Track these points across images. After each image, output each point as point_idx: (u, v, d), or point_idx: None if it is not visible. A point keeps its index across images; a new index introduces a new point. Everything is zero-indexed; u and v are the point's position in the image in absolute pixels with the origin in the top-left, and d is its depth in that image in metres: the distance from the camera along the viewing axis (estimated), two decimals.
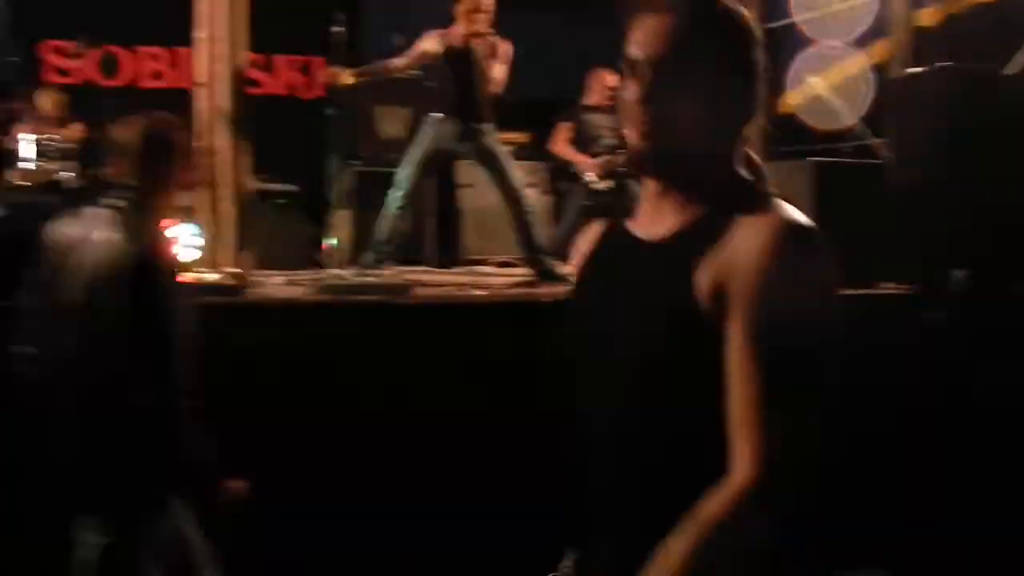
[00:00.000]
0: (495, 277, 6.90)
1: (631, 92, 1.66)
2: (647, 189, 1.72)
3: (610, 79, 7.84)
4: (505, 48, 6.52)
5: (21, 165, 7.35)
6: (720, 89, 1.63)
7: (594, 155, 7.72)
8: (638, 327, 1.63)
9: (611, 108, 7.78)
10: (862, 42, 8.16)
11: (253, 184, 6.28)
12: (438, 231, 8.33)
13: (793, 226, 1.54)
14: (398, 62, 6.73)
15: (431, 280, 6.60)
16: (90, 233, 3.03)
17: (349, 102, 8.35)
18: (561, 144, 7.82)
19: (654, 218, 1.70)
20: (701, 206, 1.65)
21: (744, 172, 1.70)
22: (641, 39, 1.67)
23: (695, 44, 1.63)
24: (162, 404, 2.83)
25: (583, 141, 7.81)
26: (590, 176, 7.64)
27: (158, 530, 2.92)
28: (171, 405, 2.84)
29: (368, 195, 7.40)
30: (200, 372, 2.94)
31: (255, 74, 9.35)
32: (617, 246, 1.78)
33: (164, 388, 2.84)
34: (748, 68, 1.69)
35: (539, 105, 9.92)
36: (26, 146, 7.38)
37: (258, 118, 6.23)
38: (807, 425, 1.49)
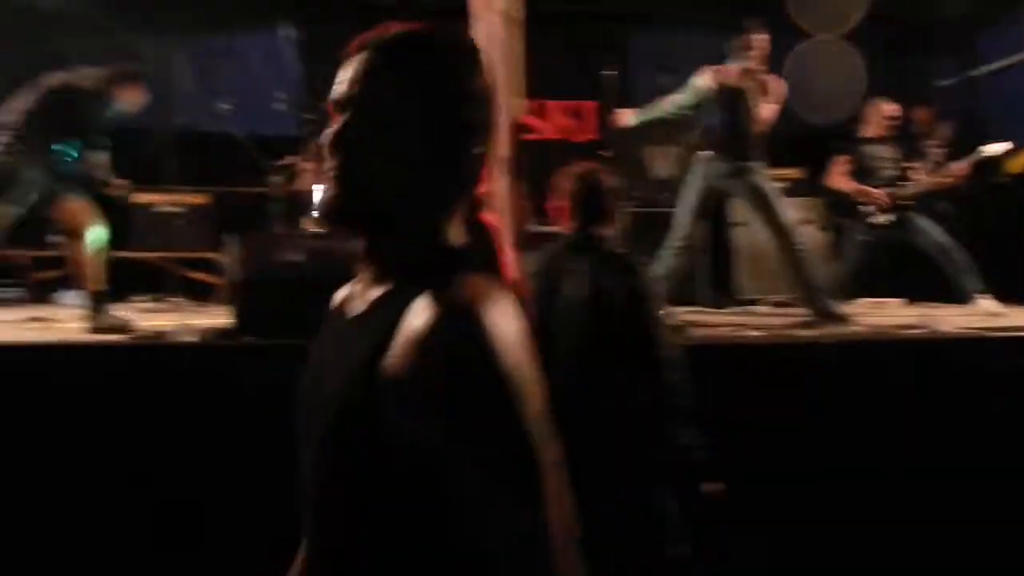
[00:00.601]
0: (771, 317, 6.75)
1: (326, 134, 1.50)
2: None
3: (888, 109, 7.57)
4: (778, 86, 6.43)
5: (314, 213, 7.86)
6: (422, 148, 1.44)
7: (875, 187, 7.45)
8: (322, 413, 1.43)
9: (890, 139, 7.51)
10: None
11: (530, 228, 6.44)
12: (711, 271, 8.24)
13: (451, 307, 1.30)
14: (675, 98, 6.75)
15: (705, 321, 6.54)
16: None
17: (621, 144, 8.47)
18: (838, 177, 7.59)
19: (364, 288, 1.51)
20: (394, 277, 1.44)
21: (452, 244, 1.49)
22: (343, 76, 1.53)
23: (391, 91, 1.46)
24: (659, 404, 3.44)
25: (861, 174, 7.55)
26: (870, 210, 7.37)
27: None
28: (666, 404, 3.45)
29: (642, 236, 7.43)
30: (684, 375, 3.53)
31: (529, 120, 9.62)
32: (335, 315, 1.60)
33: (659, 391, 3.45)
34: (459, 129, 1.47)
35: (812, 139, 9.72)
36: (319, 195, 7.88)
37: (533, 162, 6.39)
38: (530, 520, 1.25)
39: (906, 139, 7.89)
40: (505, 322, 1.32)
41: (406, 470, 1.30)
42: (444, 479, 1.27)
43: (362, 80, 1.51)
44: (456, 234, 1.51)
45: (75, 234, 6.28)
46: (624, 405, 3.44)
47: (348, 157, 1.48)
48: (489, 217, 1.57)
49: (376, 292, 1.47)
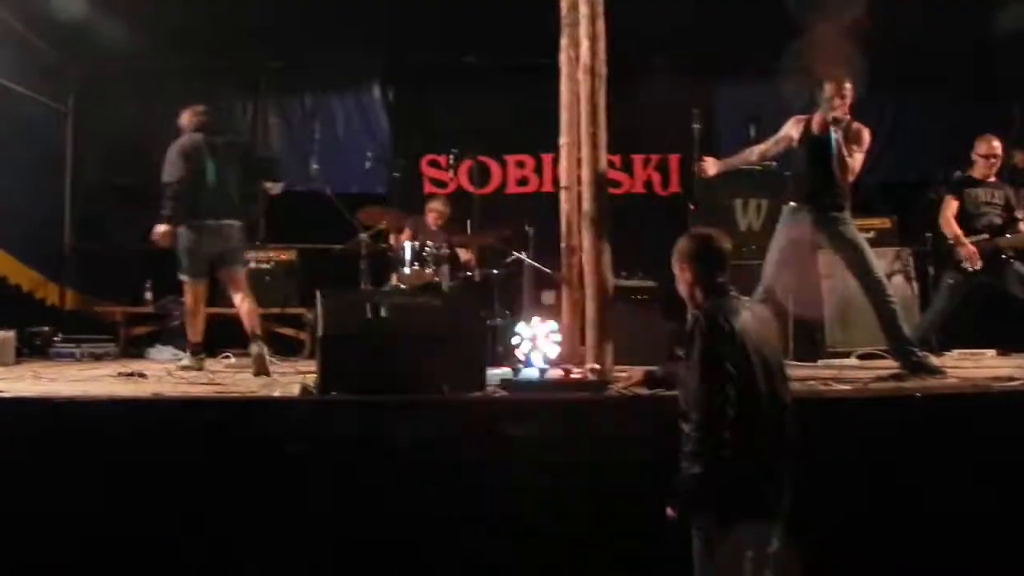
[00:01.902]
0: (859, 370, 6.60)
1: None
2: None
3: (987, 147, 7.41)
4: (864, 134, 6.34)
5: (404, 269, 7.93)
6: None
7: (977, 231, 7.27)
8: None
9: (996, 183, 7.37)
10: None
11: (615, 281, 6.41)
12: (797, 323, 8.10)
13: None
14: (761, 148, 6.70)
15: (793, 375, 6.42)
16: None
17: (707, 196, 8.41)
18: (948, 219, 7.41)
19: None
20: None
21: None
22: None
23: None
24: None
25: (966, 217, 7.36)
26: (965, 259, 7.20)
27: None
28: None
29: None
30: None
31: (614, 175, 9.63)
32: None
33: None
34: None
35: (900, 188, 9.57)
36: (408, 251, 7.96)
37: (618, 216, 6.38)
38: None
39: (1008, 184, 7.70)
40: None
41: None
42: None
43: None
44: None
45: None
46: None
47: None
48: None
49: None
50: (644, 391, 5.19)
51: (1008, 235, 7.34)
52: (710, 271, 3.93)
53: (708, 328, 3.72)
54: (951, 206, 7.45)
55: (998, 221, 7.33)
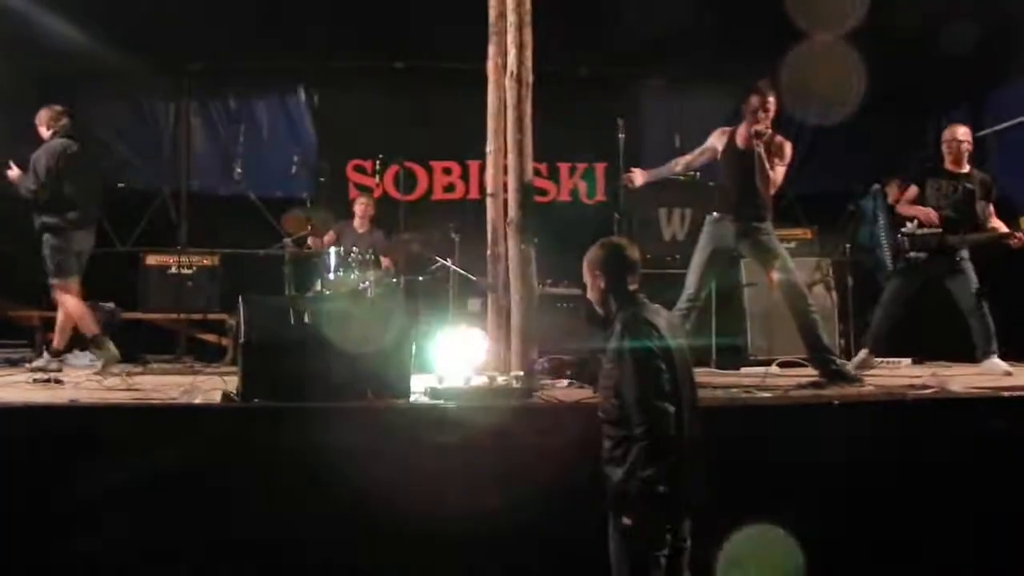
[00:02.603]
0: (780, 378, 6.70)
1: None
2: None
3: (952, 133, 7.47)
4: (786, 147, 6.45)
5: (329, 275, 7.88)
6: None
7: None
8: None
9: (958, 176, 7.41)
10: None
11: (539, 289, 6.44)
12: (719, 332, 8.23)
13: None
14: (686, 159, 6.77)
15: (715, 382, 6.51)
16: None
17: (632, 205, 8.49)
18: (903, 202, 7.50)
19: None
20: None
21: None
22: None
23: None
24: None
25: (926, 206, 7.39)
26: (924, 220, 7.26)
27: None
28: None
29: (654, 297, 7.41)
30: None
31: (541, 182, 9.68)
32: None
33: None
34: None
35: (821, 199, 9.76)
36: (333, 257, 7.90)
37: (544, 224, 6.42)
38: None
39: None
40: None
41: None
42: None
43: None
44: None
45: None
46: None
47: None
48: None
49: None
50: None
51: (960, 235, 7.28)
52: (622, 279, 4.00)
53: (635, 331, 3.80)
54: (910, 192, 7.50)
55: (954, 215, 7.31)
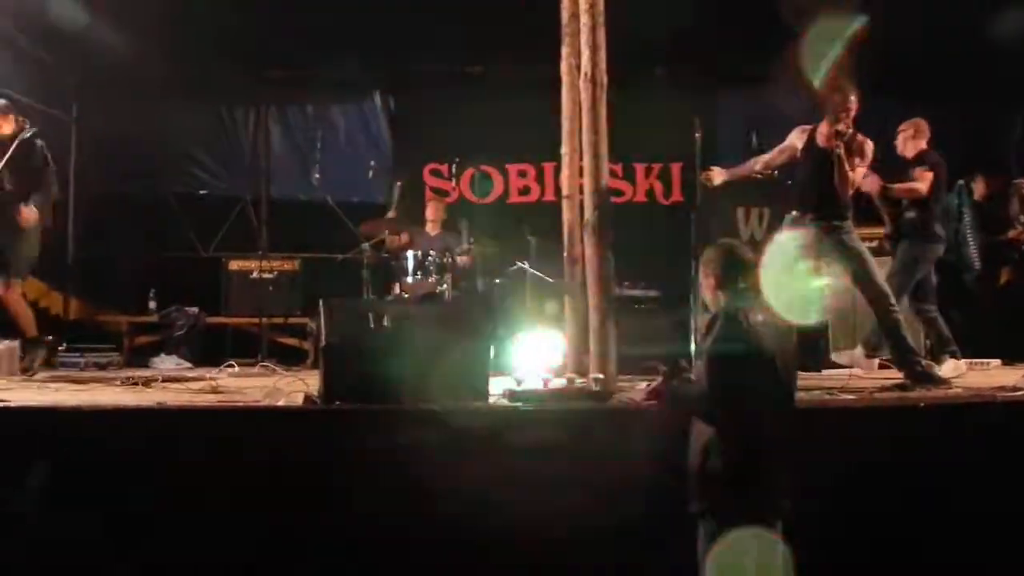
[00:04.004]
0: (863, 380, 6.59)
1: None
2: None
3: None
4: (867, 147, 6.34)
5: (407, 278, 7.96)
6: None
7: None
8: None
9: None
10: None
11: (617, 291, 6.41)
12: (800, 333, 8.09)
13: None
14: (766, 158, 6.70)
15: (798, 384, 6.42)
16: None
17: (709, 205, 8.40)
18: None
19: None
20: None
21: None
22: None
23: None
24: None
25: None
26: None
27: None
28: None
29: None
30: None
31: (616, 183, 9.64)
32: None
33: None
34: None
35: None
36: (410, 261, 7.98)
37: (620, 225, 6.38)
38: None
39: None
40: None
41: None
42: None
43: None
44: None
45: None
46: None
47: None
48: None
49: None
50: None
51: None
52: (730, 279, 4.03)
53: (727, 330, 3.83)
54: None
55: None
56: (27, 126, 7.32)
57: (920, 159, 7.45)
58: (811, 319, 6.36)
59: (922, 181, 7.26)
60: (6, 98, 7.39)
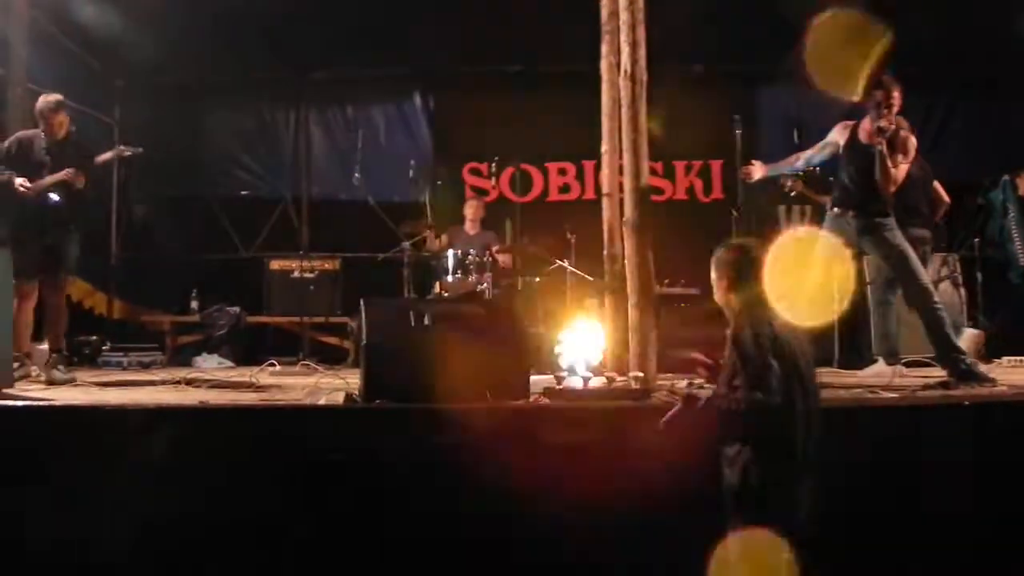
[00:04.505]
0: (906, 378, 6.52)
1: None
2: None
3: None
4: (910, 143, 6.26)
5: (447, 277, 7.99)
6: None
7: None
8: None
9: None
10: None
11: (657, 289, 6.39)
12: (842, 330, 8.03)
13: None
14: (807, 154, 6.66)
15: (839, 382, 6.37)
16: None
17: (750, 202, 8.37)
18: None
19: None
20: None
21: None
22: None
23: None
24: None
25: None
26: None
27: None
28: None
29: None
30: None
31: (656, 181, 9.60)
32: None
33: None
34: None
35: (946, 191, 9.43)
36: (451, 260, 8.01)
37: (661, 223, 6.35)
38: None
39: None
40: None
41: None
42: None
43: None
44: None
45: None
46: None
47: None
48: None
49: None
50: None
51: None
52: (746, 279, 3.95)
53: (750, 325, 3.78)
54: None
55: None
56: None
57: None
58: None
59: None
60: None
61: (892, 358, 7.01)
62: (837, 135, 6.48)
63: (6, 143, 7.01)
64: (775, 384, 3.67)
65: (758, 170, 6.65)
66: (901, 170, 6.22)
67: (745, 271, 3.97)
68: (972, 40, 8.73)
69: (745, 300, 3.94)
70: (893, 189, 6.25)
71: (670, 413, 4.05)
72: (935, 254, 8.14)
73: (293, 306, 9.41)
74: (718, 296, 4.09)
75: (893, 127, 6.16)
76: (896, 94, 6.13)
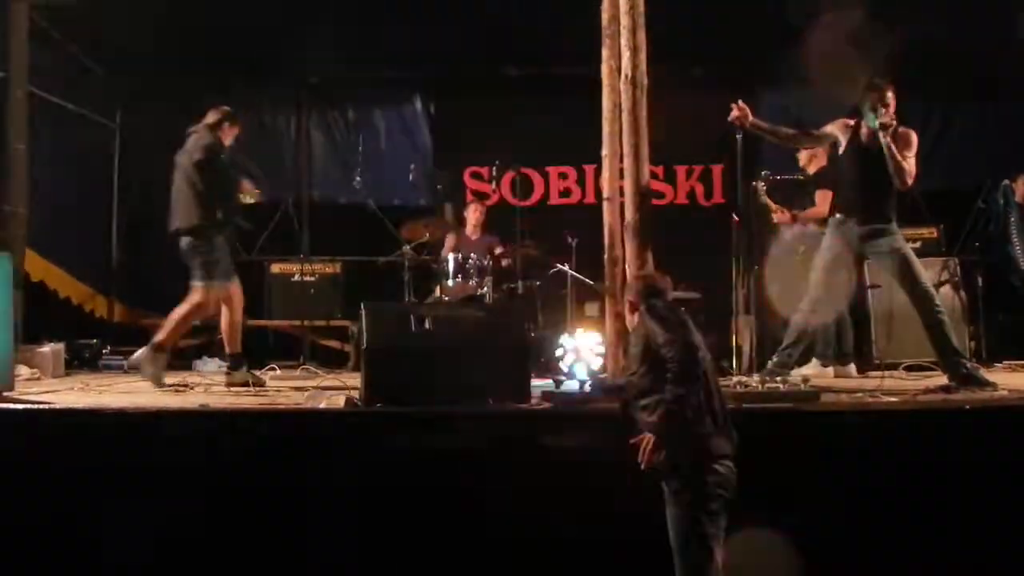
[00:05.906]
0: (907, 382, 6.52)
1: None
2: None
3: None
4: (912, 137, 6.23)
5: (448, 281, 7.99)
6: None
7: None
8: None
9: None
10: None
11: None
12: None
13: None
14: (798, 132, 6.85)
15: (840, 386, 6.37)
16: None
17: (751, 206, 8.35)
18: None
19: None
20: None
21: None
22: None
23: None
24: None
25: None
26: None
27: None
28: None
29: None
30: None
31: (657, 185, 9.60)
32: None
33: None
34: None
35: (948, 197, 9.41)
36: (451, 264, 8.01)
37: (661, 227, 6.35)
38: None
39: None
40: None
41: None
42: None
43: None
44: None
45: None
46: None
47: None
48: None
49: None
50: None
51: None
52: (652, 301, 4.38)
53: (664, 317, 4.22)
54: None
55: None
56: None
57: (821, 177, 7.75)
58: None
59: (823, 203, 7.51)
60: None
61: (826, 359, 7.45)
62: (837, 130, 6.45)
63: (209, 141, 7.37)
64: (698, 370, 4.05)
65: (749, 112, 6.52)
66: (911, 163, 6.16)
67: (649, 297, 4.41)
68: (971, 45, 8.73)
69: (648, 307, 4.34)
70: (911, 182, 6.19)
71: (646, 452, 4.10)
72: (936, 258, 8.14)
73: (294, 310, 9.41)
74: (629, 319, 4.55)
75: (895, 123, 6.13)
76: (889, 94, 6.13)
